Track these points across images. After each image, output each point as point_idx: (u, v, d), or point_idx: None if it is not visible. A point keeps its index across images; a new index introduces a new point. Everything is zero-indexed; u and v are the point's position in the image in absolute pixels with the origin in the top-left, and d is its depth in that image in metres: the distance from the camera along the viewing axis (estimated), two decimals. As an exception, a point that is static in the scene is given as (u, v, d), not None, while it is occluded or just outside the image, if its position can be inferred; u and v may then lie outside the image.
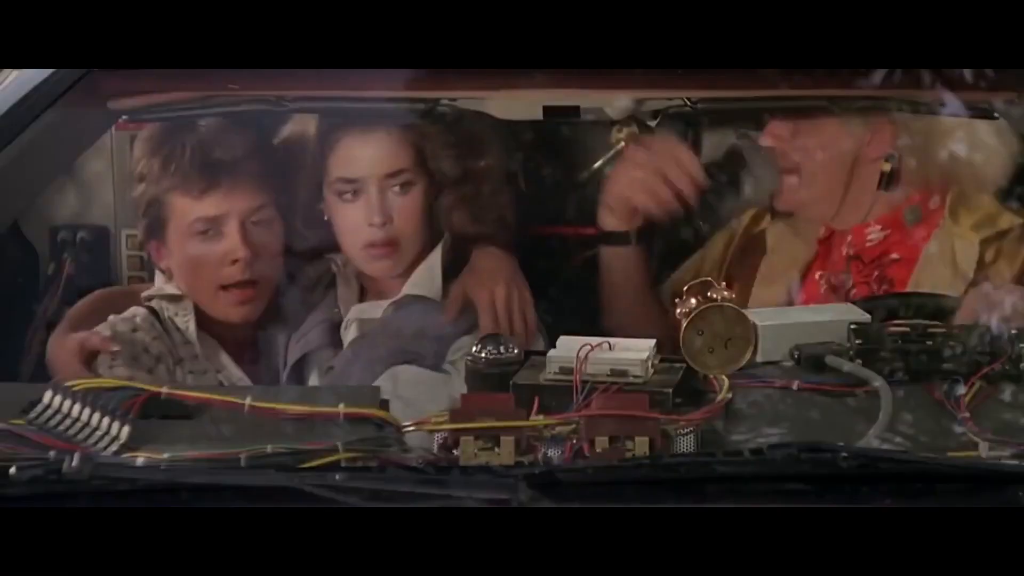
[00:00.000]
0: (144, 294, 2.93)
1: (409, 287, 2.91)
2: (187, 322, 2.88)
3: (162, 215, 2.87)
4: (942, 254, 2.89)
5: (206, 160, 2.85)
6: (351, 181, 2.88)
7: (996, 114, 2.84)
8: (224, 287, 2.86)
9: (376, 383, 2.21)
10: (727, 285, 2.21)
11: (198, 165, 2.84)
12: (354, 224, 2.89)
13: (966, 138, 2.90)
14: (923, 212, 2.92)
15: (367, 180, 2.87)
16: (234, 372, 2.91)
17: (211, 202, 2.84)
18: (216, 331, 2.92)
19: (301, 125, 2.99)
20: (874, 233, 2.92)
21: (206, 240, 2.85)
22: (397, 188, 2.88)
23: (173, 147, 2.86)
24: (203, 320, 2.91)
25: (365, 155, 2.88)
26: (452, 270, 2.93)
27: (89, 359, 2.78)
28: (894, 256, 2.92)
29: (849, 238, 2.94)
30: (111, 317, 2.86)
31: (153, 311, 2.90)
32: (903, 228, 2.92)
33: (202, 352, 2.89)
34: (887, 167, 2.89)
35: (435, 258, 2.93)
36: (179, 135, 2.87)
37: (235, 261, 2.84)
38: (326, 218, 2.93)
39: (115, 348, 2.77)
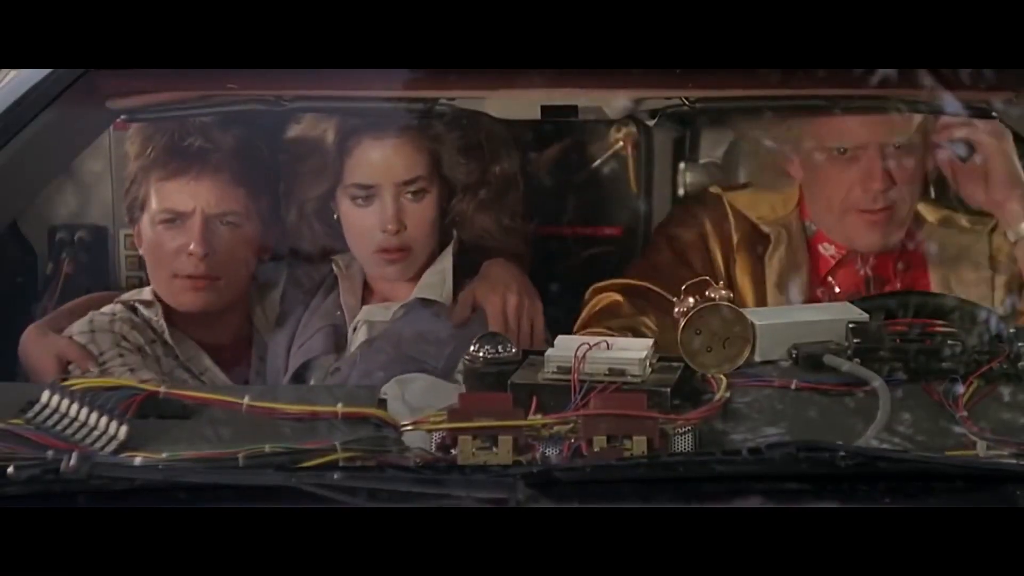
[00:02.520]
0: (117, 299, 2.95)
1: (419, 290, 2.91)
2: (160, 324, 2.90)
3: (139, 196, 2.91)
4: (949, 253, 2.89)
5: (180, 145, 2.88)
6: (366, 187, 2.88)
7: (995, 113, 2.84)
8: (176, 276, 2.88)
9: (384, 389, 2.20)
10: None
11: (172, 148, 2.87)
12: (366, 229, 2.89)
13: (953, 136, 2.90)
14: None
15: (382, 187, 2.87)
16: (217, 374, 2.91)
17: (179, 189, 2.87)
18: (196, 334, 2.93)
19: (301, 131, 2.98)
20: (898, 249, 2.93)
21: (169, 228, 2.88)
22: (410, 196, 2.88)
23: (157, 128, 2.89)
24: (184, 323, 2.93)
25: (381, 162, 2.89)
26: (460, 273, 2.94)
27: (62, 368, 2.78)
28: (900, 266, 2.92)
29: (872, 260, 2.92)
30: (90, 313, 2.89)
31: (131, 308, 2.91)
32: (917, 245, 2.93)
33: (182, 354, 2.89)
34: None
35: (446, 262, 2.93)
36: (169, 121, 2.89)
37: (190, 254, 2.86)
38: (336, 216, 2.93)
39: (90, 367, 2.77)
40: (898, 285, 2.90)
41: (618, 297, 2.88)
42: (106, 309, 2.91)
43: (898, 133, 2.86)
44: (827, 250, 2.97)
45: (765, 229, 2.98)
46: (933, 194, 2.98)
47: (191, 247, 2.86)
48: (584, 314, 2.88)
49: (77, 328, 2.85)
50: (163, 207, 2.88)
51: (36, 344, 2.83)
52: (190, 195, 2.87)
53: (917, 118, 2.85)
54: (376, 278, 2.98)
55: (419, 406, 2.12)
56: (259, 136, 2.96)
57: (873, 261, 2.93)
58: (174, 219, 2.87)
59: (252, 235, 2.93)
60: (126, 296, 2.96)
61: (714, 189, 3.08)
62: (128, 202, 2.94)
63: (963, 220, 2.97)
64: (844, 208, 2.90)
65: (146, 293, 2.94)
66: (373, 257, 2.91)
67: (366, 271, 2.97)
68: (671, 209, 3.23)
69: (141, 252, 2.97)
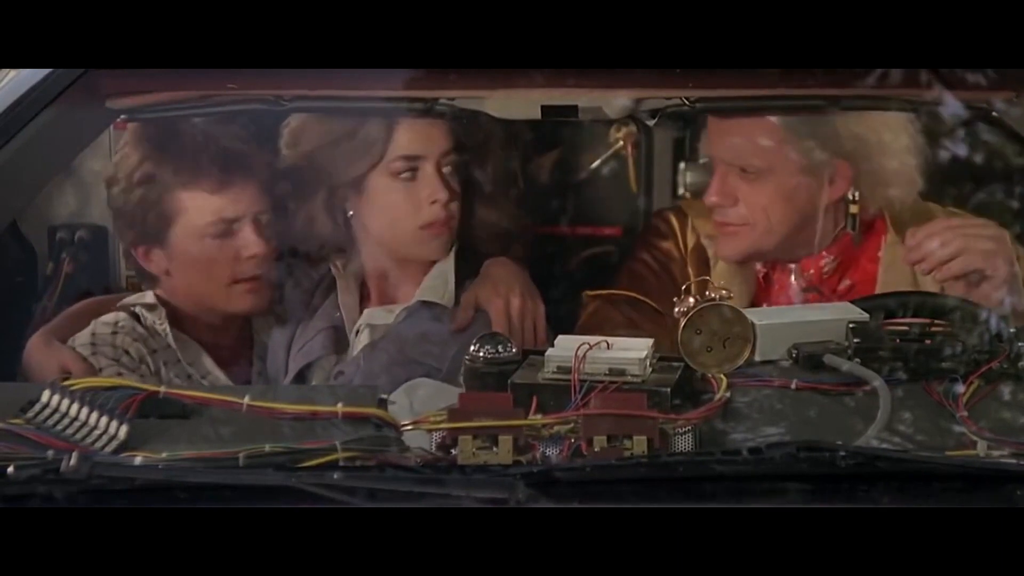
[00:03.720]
0: (119, 304, 2.92)
1: (421, 293, 2.90)
2: (164, 329, 2.88)
3: (165, 216, 2.85)
4: (901, 270, 2.88)
5: (220, 154, 2.85)
6: (412, 159, 2.86)
7: (995, 113, 2.84)
8: (237, 281, 2.87)
9: (392, 397, 2.20)
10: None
11: (213, 159, 2.85)
12: (411, 204, 2.87)
13: (895, 140, 2.88)
14: (863, 229, 2.91)
15: (426, 159, 2.86)
16: (219, 377, 2.90)
17: (226, 197, 2.85)
18: (199, 336, 2.92)
19: (304, 128, 2.97)
20: (828, 264, 2.90)
21: (219, 236, 2.85)
22: (448, 168, 2.88)
23: (185, 144, 2.86)
24: (187, 326, 2.91)
25: (426, 132, 2.87)
26: (461, 275, 2.93)
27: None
28: (848, 283, 2.91)
29: (796, 269, 2.91)
30: (92, 322, 2.86)
31: (134, 315, 2.89)
32: (851, 252, 2.91)
33: (185, 357, 2.88)
34: (855, 208, 2.87)
35: (448, 264, 2.92)
36: (187, 132, 2.87)
37: (252, 256, 2.85)
38: (350, 214, 2.92)
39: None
40: (838, 287, 2.89)
41: (609, 306, 2.89)
42: (108, 318, 2.88)
43: (754, 156, 2.85)
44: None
45: (704, 243, 2.99)
46: (852, 222, 2.95)
47: (252, 250, 2.85)
48: (583, 320, 2.88)
49: (80, 340, 2.83)
50: (212, 219, 2.84)
51: (41, 353, 2.82)
52: (235, 200, 2.85)
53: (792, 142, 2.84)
54: (374, 280, 2.96)
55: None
56: (267, 135, 2.95)
57: (805, 273, 2.91)
58: (224, 227, 2.85)
59: (272, 231, 2.92)
60: (129, 300, 2.93)
61: (682, 196, 3.09)
62: (140, 227, 2.87)
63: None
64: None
65: (149, 297, 2.91)
66: (418, 235, 2.89)
67: (402, 253, 2.93)
68: (649, 218, 3.23)
69: (159, 271, 2.90)
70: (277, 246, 2.91)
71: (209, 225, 2.85)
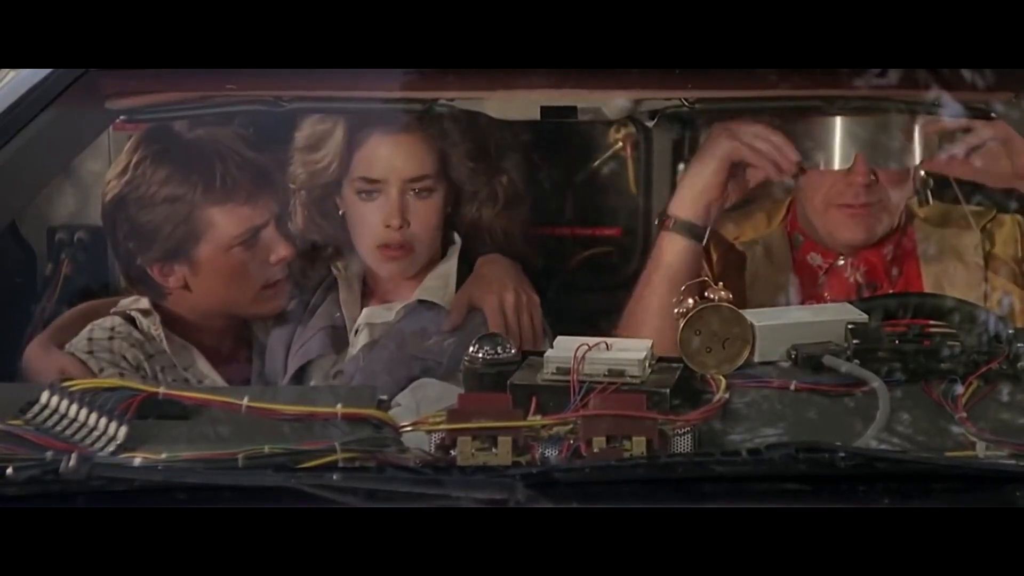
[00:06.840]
0: (114, 309, 2.91)
1: (420, 292, 2.91)
2: (159, 334, 2.87)
3: (193, 232, 2.84)
4: (942, 253, 2.89)
5: (245, 164, 2.86)
6: (373, 181, 2.88)
7: (994, 115, 2.84)
8: (267, 286, 2.88)
9: (398, 399, 2.20)
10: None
11: (240, 170, 2.85)
12: (370, 223, 2.89)
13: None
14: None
15: (389, 182, 2.87)
16: (217, 380, 2.90)
17: (254, 206, 2.86)
18: (198, 340, 2.92)
19: (312, 124, 2.97)
20: (889, 253, 2.92)
21: (248, 245, 2.86)
22: (416, 193, 2.88)
23: (212, 159, 2.85)
24: (187, 331, 2.91)
25: (391, 157, 2.88)
26: (461, 276, 2.93)
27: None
28: (893, 270, 2.91)
29: (852, 263, 2.92)
30: (89, 326, 2.86)
31: (130, 320, 2.89)
32: (901, 244, 2.93)
33: (180, 363, 2.88)
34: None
35: (450, 266, 2.92)
36: (207, 146, 2.87)
37: (280, 259, 2.87)
38: (341, 212, 2.92)
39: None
40: (890, 290, 2.90)
41: None
42: (105, 323, 2.87)
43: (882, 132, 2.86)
44: (815, 260, 2.96)
45: (740, 248, 2.99)
46: (924, 192, 2.97)
47: (281, 253, 2.86)
48: None
49: (77, 345, 2.83)
50: (242, 229, 2.85)
51: (40, 360, 2.81)
52: (261, 209, 2.86)
53: (904, 118, 2.85)
54: (376, 277, 2.97)
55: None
56: (279, 138, 2.96)
57: (863, 267, 2.92)
58: (253, 235, 2.85)
59: (282, 232, 2.94)
60: (124, 304, 2.93)
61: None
62: (162, 245, 2.85)
63: (956, 216, 2.97)
64: (827, 204, 2.90)
65: (143, 302, 2.90)
66: (375, 253, 2.91)
67: (367, 267, 2.96)
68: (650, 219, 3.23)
69: (177, 285, 2.88)
70: (298, 246, 2.92)
71: (239, 236, 2.85)
